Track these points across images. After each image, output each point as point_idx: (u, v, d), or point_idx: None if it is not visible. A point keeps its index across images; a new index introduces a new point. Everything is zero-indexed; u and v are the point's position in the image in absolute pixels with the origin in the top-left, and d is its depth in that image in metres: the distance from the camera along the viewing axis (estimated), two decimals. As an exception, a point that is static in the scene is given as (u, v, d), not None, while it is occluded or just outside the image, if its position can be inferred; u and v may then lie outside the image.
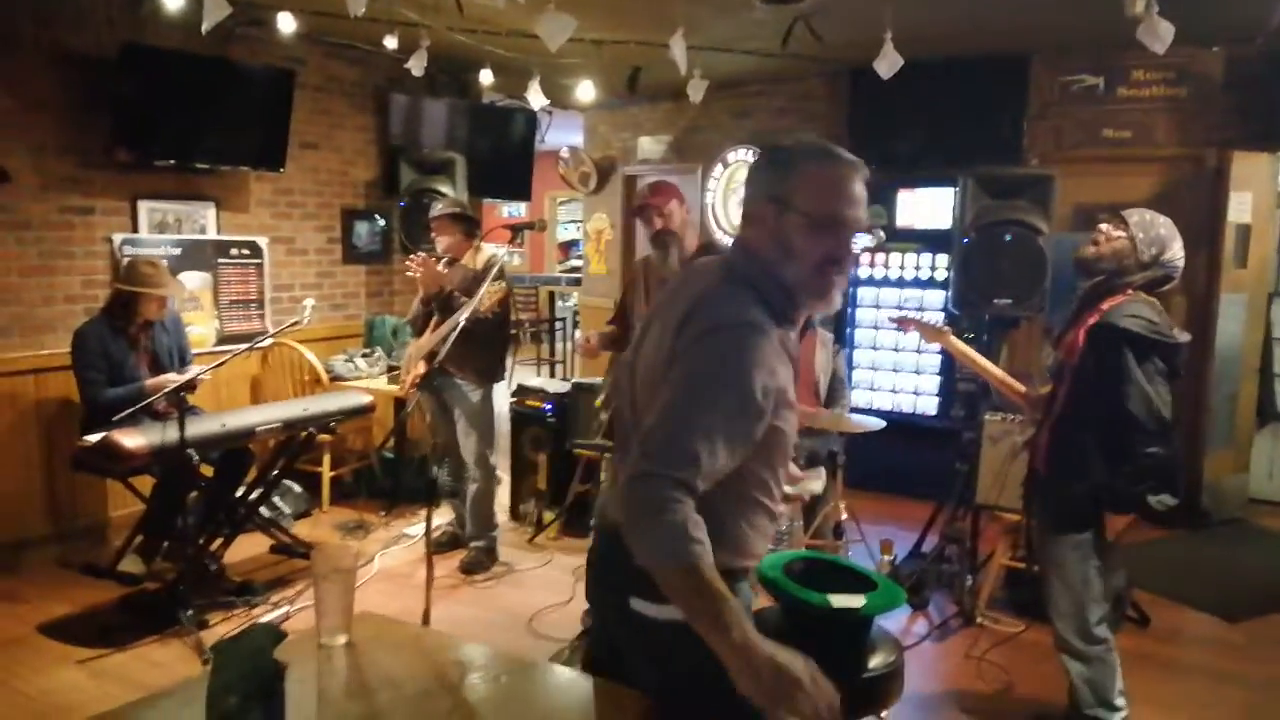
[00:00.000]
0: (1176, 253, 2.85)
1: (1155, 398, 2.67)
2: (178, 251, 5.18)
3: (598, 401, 4.43)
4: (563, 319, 10.84)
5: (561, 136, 8.62)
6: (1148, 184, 5.61)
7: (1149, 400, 2.66)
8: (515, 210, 12.42)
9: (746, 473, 1.67)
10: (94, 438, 3.71)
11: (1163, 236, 2.84)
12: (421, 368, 4.52)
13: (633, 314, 3.62)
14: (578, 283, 10.16)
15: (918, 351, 6.12)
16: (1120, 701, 2.91)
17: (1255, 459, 5.96)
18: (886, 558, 4.55)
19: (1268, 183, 5.64)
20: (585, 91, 6.22)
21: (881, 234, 3.09)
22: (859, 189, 1.67)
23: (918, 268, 6.12)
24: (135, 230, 5.02)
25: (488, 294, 4.04)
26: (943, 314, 5.85)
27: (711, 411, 1.57)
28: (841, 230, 1.65)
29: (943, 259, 5.94)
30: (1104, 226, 2.93)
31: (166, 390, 3.94)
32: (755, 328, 1.61)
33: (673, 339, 1.67)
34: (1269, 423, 6.01)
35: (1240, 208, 5.50)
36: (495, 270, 3.99)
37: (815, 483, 4.19)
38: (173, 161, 5.03)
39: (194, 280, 5.29)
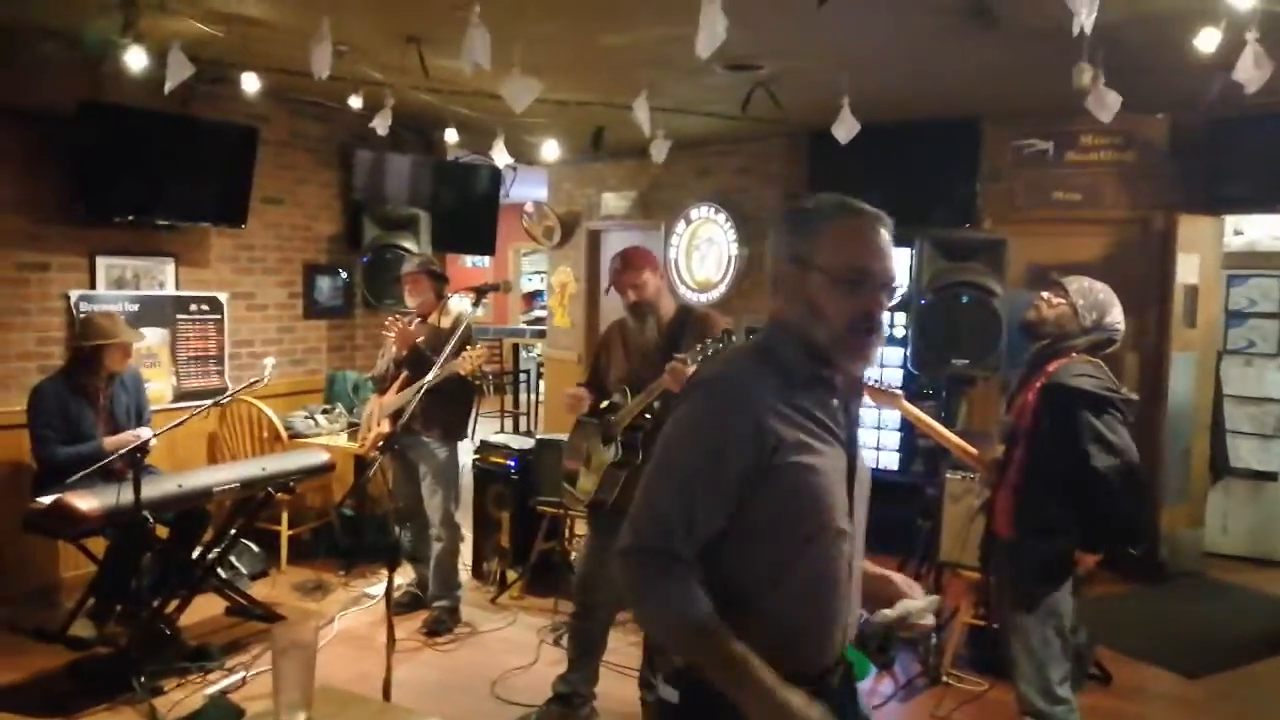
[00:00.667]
0: (1116, 317, 2.95)
1: (1126, 449, 2.73)
2: (135, 308, 5.12)
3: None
4: (526, 370, 10.82)
5: (526, 190, 8.69)
6: (1098, 245, 5.77)
7: (1117, 452, 2.72)
8: (479, 263, 12.44)
9: (771, 538, 1.56)
10: (47, 499, 3.63)
11: (1101, 301, 2.94)
12: (385, 426, 4.49)
13: (606, 377, 3.62)
14: (542, 334, 10.17)
15: (877, 409, 6.18)
16: (1083, 762, 2.92)
17: (1210, 513, 6.06)
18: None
19: (1213, 245, 5.82)
20: (550, 149, 6.29)
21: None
22: (883, 240, 1.62)
23: (877, 325, 6.20)
24: (93, 286, 4.96)
25: (468, 358, 4.05)
26: (902, 371, 5.92)
27: (679, 468, 1.57)
28: (868, 284, 1.58)
29: (900, 317, 6.03)
30: (1045, 294, 3.03)
31: (123, 451, 3.87)
32: (729, 379, 1.61)
33: None
34: (1221, 478, 6.13)
35: (1188, 269, 5.66)
36: (462, 330, 3.99)
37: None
38: (132, 218, 5.00)
39: (152, 336, 5.22)
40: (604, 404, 3.55)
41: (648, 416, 3.35)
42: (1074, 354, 2.90)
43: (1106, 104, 3.90)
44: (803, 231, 1.64)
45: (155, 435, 4.02)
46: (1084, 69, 3.84)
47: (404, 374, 4.51)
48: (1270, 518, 6.14)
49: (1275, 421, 6.14)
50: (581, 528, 4.45)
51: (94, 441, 4.11)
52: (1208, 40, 3.43)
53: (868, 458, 6.02)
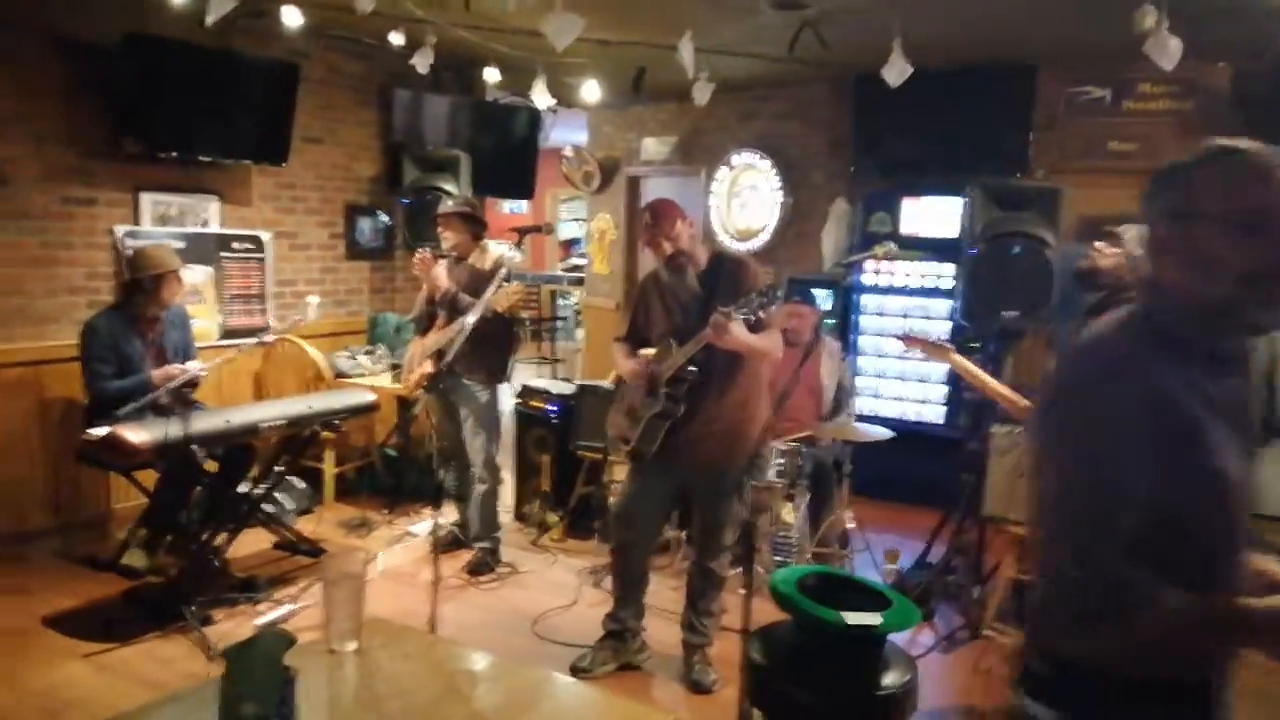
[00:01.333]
0: None
1: None
2: (180, 245, 5.13)
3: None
4: (564, 317, 10.81)
5: (565, 135, 8.60)
6: (1154, 197, 5.61)
7: None
8: (517, 208, 12.40)
9: (1176, 537, 1.38)
10: (99, 431, 3.68)
11: None
12: (428, 367, 4.50)
13: (647, 330, 3.59)
14: (579, 281, 10.14)
15: (923, 360, 6.11)
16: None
17: (1259, 475, 5.95)
18: (891, 566, 4.54)
19: (1275, 197, 5.64)
20: (590, 91, 6.19)
21: (892, 246, 3.08)
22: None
23: (923, 275, 6.11)
24: (137, 222, 4.99)
25: (505, 294, 4.03)
26: (950, 323, 5.84)
27: (1103, 482, 1.37)
28: (1272, 223, 1.36)
29: (947, 268, 5.93)
30: (1099, 245, 2.94)
31: (171, 386, 3.92)
32: (1121, 364, 1.40)
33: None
34: (1275, 438, 6.00)
35: (1247, 222, 5.50)
36: (504, 271, 3.96)
37: None
38: (175, 153, 5.00)
39: (197, 274, 5.26)
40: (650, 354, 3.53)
41: (692, 369, 3.33)
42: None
43: (1168, 50, 3.76)
44: (1179, 185, 1.47)
45: (203, 369, 4.06)
46: (1147, 11, 3.70)
47: (441, 316, 4.50)
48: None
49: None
50: (620, 473, 4.45)
51: (141, 375, 4.16)
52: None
53: (910, 411, 5.97)
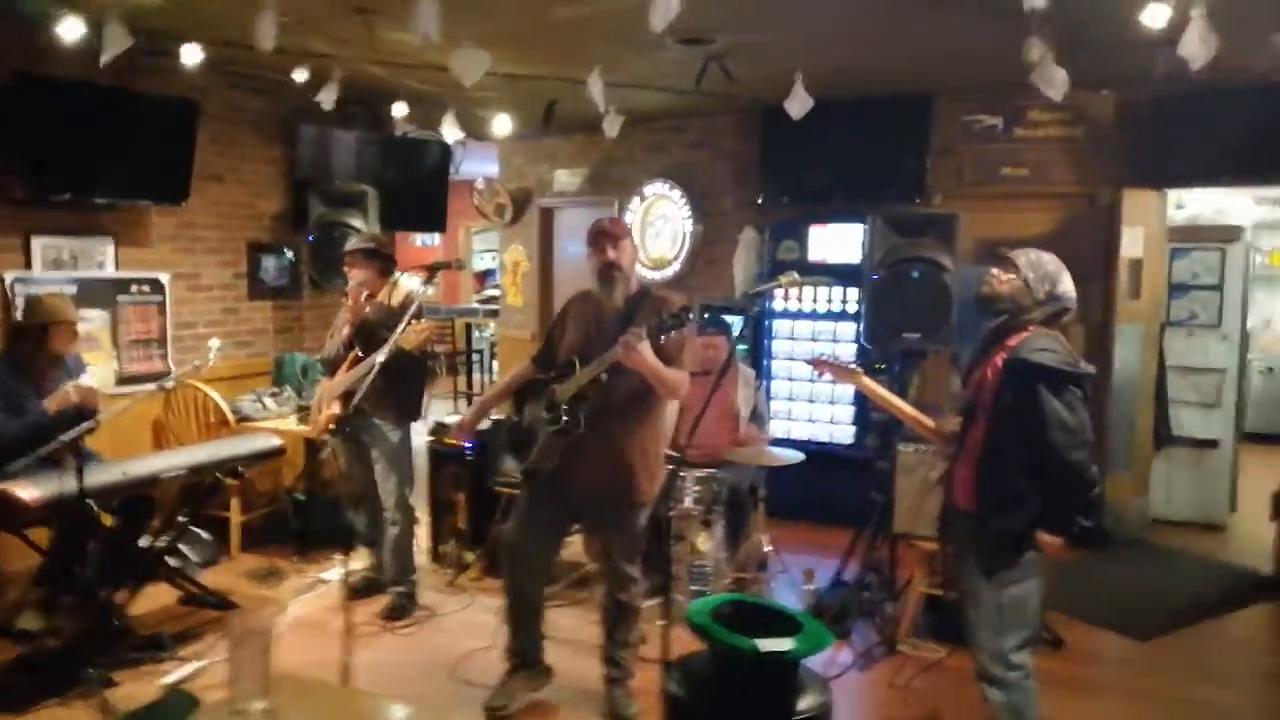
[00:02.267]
0: (1067, 286, 2.98)
1: (1080, 426, 2.77)
2: (74, 289, 4.94)
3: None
4: (480, 350, 10.72)
5: (477, 167, 8.57)
6: (1046, 220, 5.85)
7: (1069, 430, 2.76)
8: (429, 241, 12.27)
9: None
10: (-14, 489, 3.50)
11: (1052, 272, 2.97)
12: (336, 408, 4.41)
13: (561, 347, 3.57)
14: (494, 313, 10.08)
15: (832, 382, 6.23)
16: (1040, 726, 2.98)
17: (1154, 481, 6.22)
18: (809, 586, 4.60)
19: (1157, 219, 5.94)
20: (501, 124, 6.20)
21: (795, 275, 3.15)
22: None
23: (830, 300, 6.25)
24: (29, 267, 4.79)
25: (413, 332, 3.97)
26: (855, 346, 5.97)
27: None
28: None
29: (853, 292, 6.07)
30: (995, 270, 3.05)
31: (69, 400, 3.79)
32: None
33: None
34: (1164, 446, 6.29)
35: (1133, 242, 5.77)
36: (414, 308, 3.92)
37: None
38: (69, 195, 4.82)
39: (93, 319, 5.07)
40: (552, 373, 3.51)
41: (595, 386, 3.31)
42: (1030, 327, 2.93)
43: (1055, 80, 3.93)
44: None
45: (91, 382, 3.93)
46: (1033, 45, 3.86)
47: (353, 354, 4.43)
48: (1212, 484, 6.32)
49: (1215, 390, 6.31)
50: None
51: (36, 412, 3.96)
52: (1155, 16, 3.47)
53: (821, 432, 6.06)
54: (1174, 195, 6.13)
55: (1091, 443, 2.82)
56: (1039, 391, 2.78)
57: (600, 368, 3.27)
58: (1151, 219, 5.89)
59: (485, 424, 5.19)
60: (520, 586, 3.59)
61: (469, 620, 4.49)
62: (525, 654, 3.64)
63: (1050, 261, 2.99)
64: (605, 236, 3.44)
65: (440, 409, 8.43)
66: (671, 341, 3.33)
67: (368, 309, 4.41)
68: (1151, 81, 5.06)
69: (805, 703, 2.44)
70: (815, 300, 6.30)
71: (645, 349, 3.16)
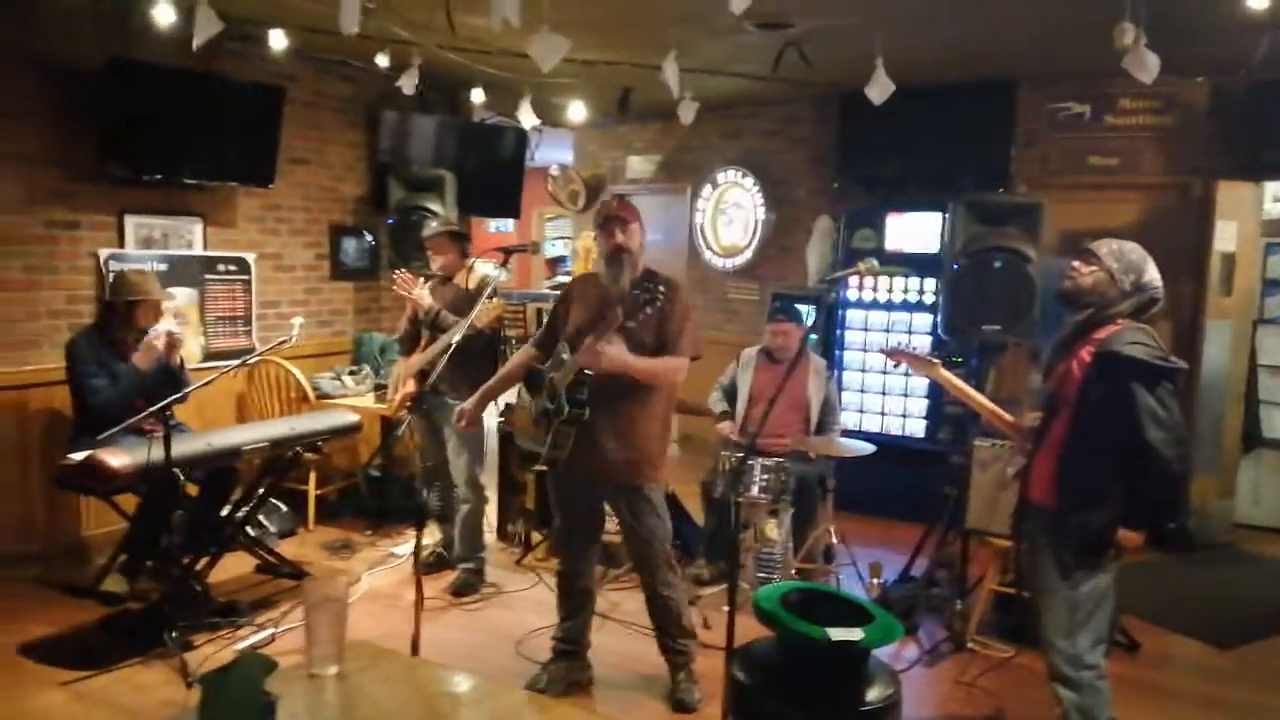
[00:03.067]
0: (1153, 275, 2.86)
1: (1177, 423, 2.68)
2: (164, 267, 5.13)
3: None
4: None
5: (551, 154, 8.63)
6: (1134, 211, 5.67)
7: (1168, 427, 2.67)
8: (503, 226, 12.39)
9: None
10: (78, 456, 3.65)
11: (1135, 262, 2.85)
12: (411, 386, 4.50)
13: (561, 331, 3.53)
14: (565, 300, 10.13)
15: (905, 374, 6.13)
16: (1111, 730, 2.90)
17: (1240, 484, 5.99)
18: (876, 580, 4.54)
19: (1252, 212, 5.70)
20: (576, 111, 6.24)
21: (874, 262, 3.08)
22: None
23: (905, 290, 6.14)
24: (121, 245, 4.97)
25: (485, 310, 4.02)
26: (930, 338, 5.87)
27: None
28: None
29: (930, 282, 5.96)
30: (1076, 263, 2.95)
31: (155, 350, 4.01)
32: None
33: None
34: (1254, 449, 6.06)
35: (1225, 236, 5.55)
36: (489, 289, 3.97)
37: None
38: (160, 176, 4.99)
39: (181, 296, 5.24)
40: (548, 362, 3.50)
41: (588, 371, 3.27)
42: (1119, 320, 2.83)
43: (1147, 65, 3.79)
44: None
45: (175, 327, 4.08)
46: (1126, 28, 3.73)
47: (425, 335, 4.50)
48: (1303, 490, 6.07)
49: (1310, 392, 6.04)
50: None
51: (126, 370, 4.10)
52: (1259, -3, 3.32)
53: (893, 425, 5.99)
54: (1271, 187, 5.86)
55: (1186, 440, 2.72)
56: (1131, 386, 2.69)
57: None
58: (1246, 212, 5.65)
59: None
60: (569, 572, 3.64)
61: (533, 598, 4.54)
62: (572, 642, 3.66)
63: (1134, 250, 2.88)
64: (614, 220, 3.40)
65: (510, 391, 8.52)
66: (669, 319, 3.31)
67: (425, 303, 4.45)
68: (1248, 67, 4.86)
69: (874, 694, 2.41)
70: (890, 290, 6.20)
71: (615, 351, 3.16)
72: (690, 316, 3.42)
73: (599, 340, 3.13)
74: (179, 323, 4.36)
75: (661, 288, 3.15)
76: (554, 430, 3.38)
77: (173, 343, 4.15)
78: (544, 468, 3.65)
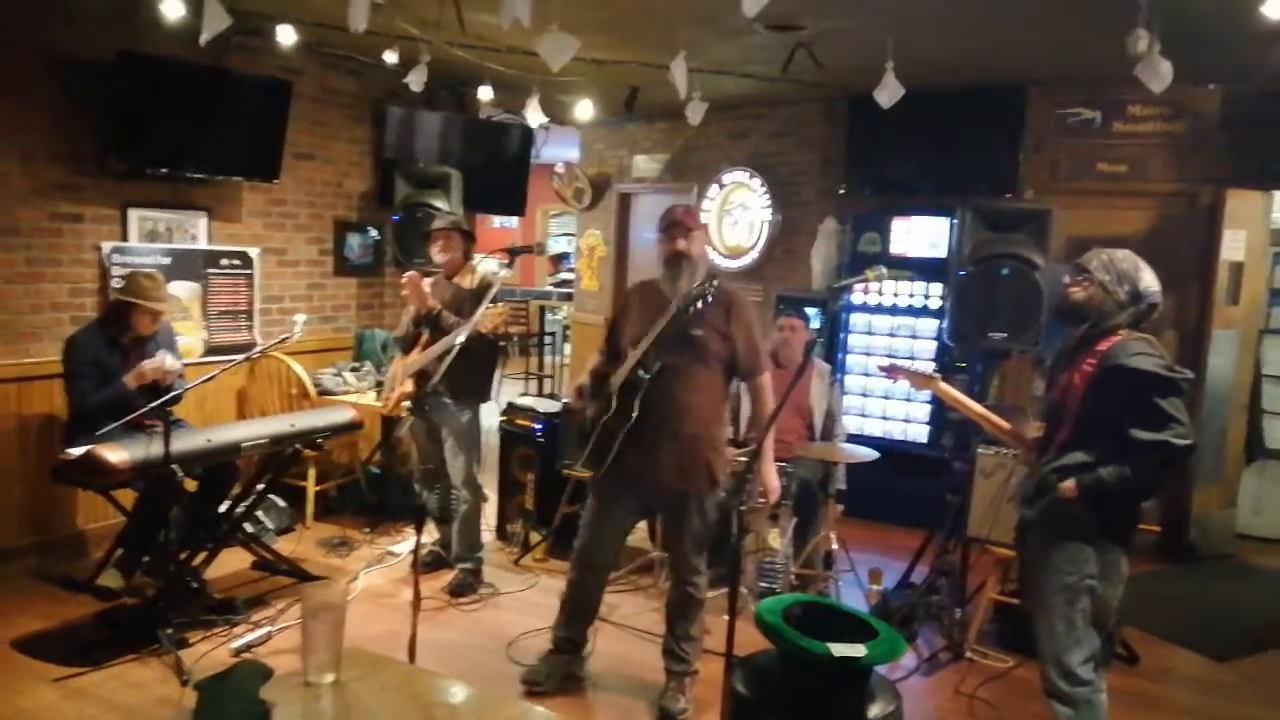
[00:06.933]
0: (1150, 281, 2.84)
1: (1186, 425, 2.67)
2: (167, 261, 5.11)
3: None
4: (552, 333, 10.78)
5: (557, 151, 8.61)
6: (1142, 219, 5.64)
7: (1179, 424, 2.65)
8: (508, 224, 12.37)
9: None
10: (77, 450, 3.64)
11: (1127, 271, 2.83)
12: (409, 386, 4.48)
13: (622, 338, 3.55)
14: (568, 297, 10.13)
15: (908, 397, 6.12)
16: (1109, 745, 2.88)
17: (1242, 495, 5.97)
18: (875, 587, 4.53)
19: (1261, 221, 5.67)
20: (583, 109, 6.21)
21: (883, 270, 3.05)
22: None
23: (911, 295, 6.11)
24: (125, 239, 4.95)
25: (488, 315, 4.00)
26: (935, 344, 5.84)
27: None
28: None
29: (936, 288, 5.94)
30: (1065, 279, 2.93)
31: (145, 376, 3.97)
32: None
33: None
34: (1256, 459, 6.03)
35: (1234, 245, 5.52)
36: (493, 291, 3.95)
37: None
38: (165, 170, 4.97)
39: (183, 290, 5.22)
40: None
41: (641, 373, 3.28)
42: (1121, 331, 2.81)
43: (1159, 73, 3.76)
44: None
45: (177, 366, 4.06)
46: (1140, 35, 3.70)
47: (425, 334, 4.48)
48: (1306, 501, 6.04)
49: (1315, 404, 6.02)
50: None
51: (117, 383, 4.10)
52: (1277, 7, 3.29)
53: (896, 430, 5.96)
54: (1280, 197, 5.84)
55: (1195, 445, 2.71)
56: (1144, 398, 2.67)
57: (644, 347, 3.28)
58: (1255, 221, 5.62)
59: (555, 407, 5.27)
60: (583, 583, 3.63)
61: (530, 600, 4.52)
62: (571, 642, 3.67)
63: (1125, 259, 2.85)
64: (678, 226, 3.43)
65: (512, 390, 8.52)
66: (737, 331, 3.33)
67: (434, 297, 4.43)
68: (1260, 76, 4.82)
69: (875, 710, 2.39)
70: (895, 295, 6.17)
71: (770, 478, 3.52)
72: (755, 325, 3.49)
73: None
74: (180, 360, 4.29)
75: (715, 282, 3.22)
76: (597, 435, 3.37)
77: (161, 379, 4.11)
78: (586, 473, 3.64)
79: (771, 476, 3.51)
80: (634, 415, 3.30)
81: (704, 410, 3.41)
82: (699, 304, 3.21)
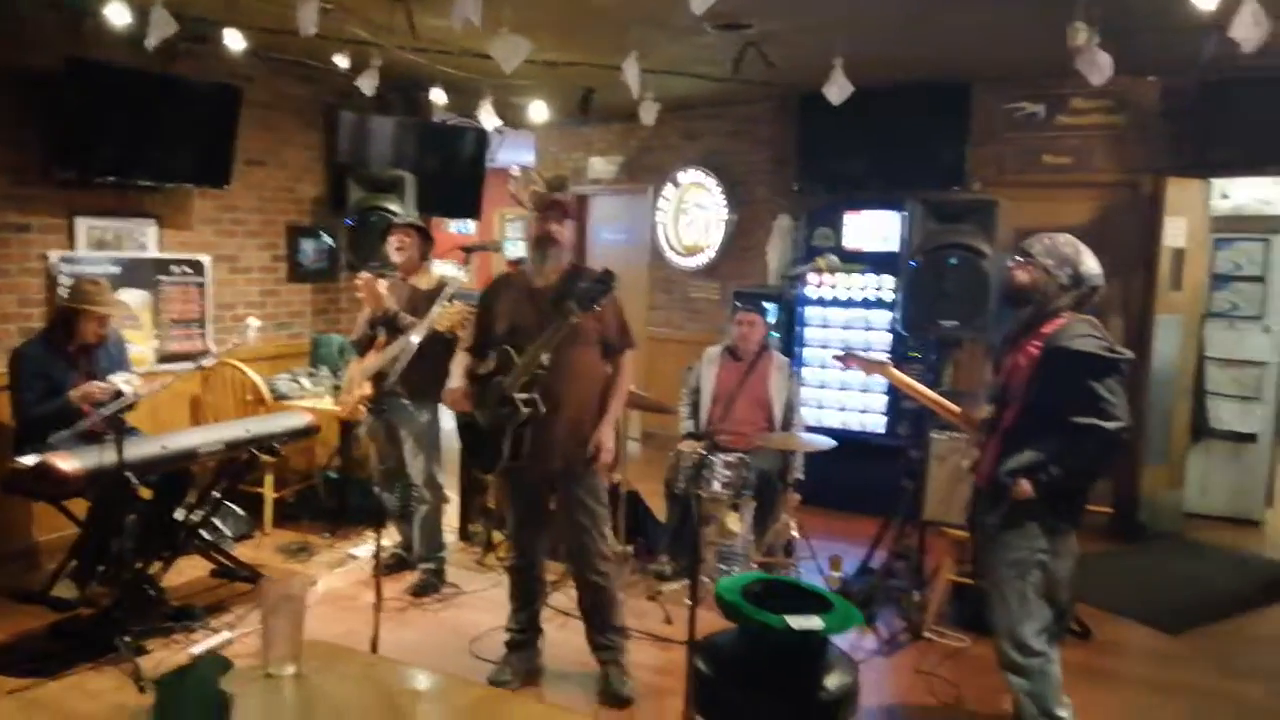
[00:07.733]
0: (1090, 265, 2.93)
1: (1124, 414, 2.75)
2: (117, 270, 5.05)
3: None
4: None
5: (513, 155, 8.62)
6: (1086, 208, 5.77)
7: (1114, 418, 2.73)
8: (464, 228, 12.33)
9: None
10: (30, 460, 3.58)
11: (1069, 255, 2.92)
12: (366, 389, 4.46)
13: (492, 334, 3.52)
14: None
15: (863, 389, 6.21)
16: (1063, 713, 2.96)
17: (1190, 475, 6.12)
18: (836, 574, 4.59)
19: (1200, 208, 5.83)
20: (537, 111, 6.22)
21: (834, 258, 3.12)
22: None
23: (864, 288, 6.20)
24: (73, 248, 4.89)
25: (446, 314, 4.00)
26: (890, 334, 5.93)
27: None
28: None
29: (888, 280, 6.03)
30: (1009, 265, 3.01)
31: (102, 411, 3.84)
32: None
33: None
34: (1202, 439, 6.19)
35: (1175, 232, 5.67)
36: (449, 291, 3.96)
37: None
38: (113, 178, 4.92)
39: (134, 298, 5.17)
40: (490, 368, 3.47)
41: (542, 368, 3.29)
42: (1064, 313, 2.90)
43: (1099, 65, 3.86)
44: None
45: (130, 386, 4.00)
46: (1079, 28, 3.79)
47: (381, 336, 4.47)
48: (1249, 479, 6.21)
49: (1256, 384, 6.19)
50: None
51: (61, 398, 4.05)
52: (1208, -1, 3.39)
53: (853, 420, 6.03)
54: (1218, 184, 6.00)
55: (1130, 426, 2.79)
56: (1083, 380, 2.75)
57: (547, 346, 3.26)
58: (1195, 208, 5.78)
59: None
60: (522, 576, 3.68)
61: (493, 598, 4.50)
62: (525, 634, 3.71)
63: (1066, 244, 2.95)
64: (557, 208, 3.47)
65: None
66: (607, 312, 3.37)
67: (391, 297, 4.42)
68: (1198, 67, 4.96)
69: (833, 681, 2.44)
70: (849, 288, 6.26)
71: (607, 439, 3.41)
72: (622, 305, 3.54)
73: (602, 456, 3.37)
74: (133, 387, 4.13)
75: (613, 280, 3.21)
76: (511, 433, 3.36)
77: (128, 405, 4.06)
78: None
79: (608, 438, 3.46)
80: (543, 410, 3.31)
81: (589, 389, 3.47)
82: (602, 302, 3.22)
